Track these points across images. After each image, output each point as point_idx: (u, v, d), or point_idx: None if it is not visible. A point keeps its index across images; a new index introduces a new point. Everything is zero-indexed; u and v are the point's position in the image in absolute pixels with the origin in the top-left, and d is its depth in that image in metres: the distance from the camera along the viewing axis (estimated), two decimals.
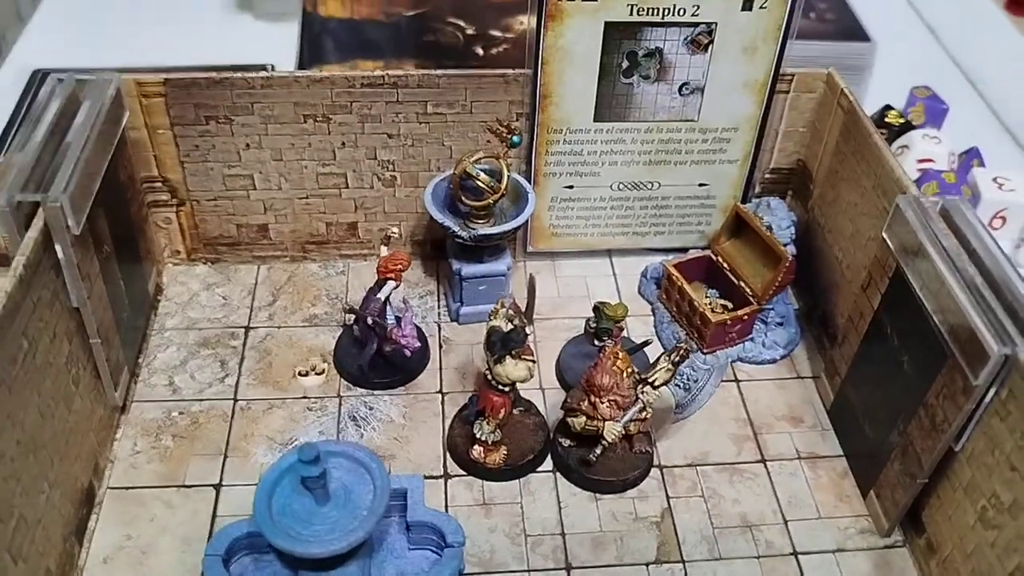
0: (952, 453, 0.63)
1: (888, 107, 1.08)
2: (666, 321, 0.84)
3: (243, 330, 0.82)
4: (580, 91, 0.79)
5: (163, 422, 0.75)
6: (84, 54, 1.12)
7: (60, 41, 1.19)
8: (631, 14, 0.75)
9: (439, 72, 0.79)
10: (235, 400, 0.77)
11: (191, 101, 0.78)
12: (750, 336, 0.82)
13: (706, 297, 0.84)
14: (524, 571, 0.66)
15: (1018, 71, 1.24)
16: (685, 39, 0.77)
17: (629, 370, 0.70)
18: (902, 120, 1.06)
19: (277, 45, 1.15)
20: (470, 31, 1.11)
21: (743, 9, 0.76)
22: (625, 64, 0.78)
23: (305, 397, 0.77)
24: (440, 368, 0.80)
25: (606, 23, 0.76)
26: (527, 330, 0.68)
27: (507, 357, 0.67)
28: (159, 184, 0.82)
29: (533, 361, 0.68)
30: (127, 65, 1.07)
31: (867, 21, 1.14)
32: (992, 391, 0.58)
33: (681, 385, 0.74)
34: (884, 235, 0.68)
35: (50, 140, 0.67)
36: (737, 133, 0.83)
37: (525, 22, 1.08)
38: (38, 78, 1.09)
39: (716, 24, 0.77)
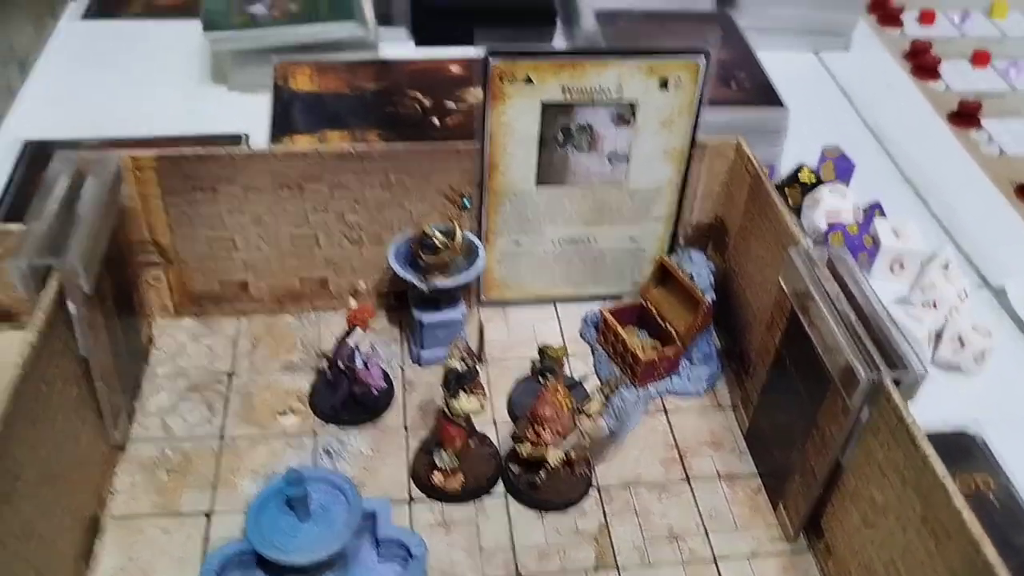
0: (839, 466, 0.74)
1: (801, 166, 1.21)
2: (604, 360, 0.95)
3: (227, 376, 0.92)
4: (523, 160, 0.91)
5: (158, 458, 0.84)
6: (71, 125, 1.22)
7: (48, 113, 1.28)
8: (564, 95, 0.87)
9: (400, 146, 0.90)
10: (221, 438, 0.86)
11: (180, 173, 0.88)
12: (677, 372, 0.93)
13: (637, 338, 0.96)
14: None
15: (918, 128, 1.38)
16: (611, 116, 0.90)
17: (568, 402, 0.80)
18: (813, 177, 1.20)
19: (250, 115, 1.26)
20: (427, 103, 1.23)
21: (660, 88, 0.89)
22: (561, 137, 0.90)
23: (284, 434, 0.87)
24: (404, 406, 0.90)
25: (543, 103, 0.88)
26: (479, 368, 0.79)
27: (461, 392, 0.77)
28: (150, 247, 0.92)
29: (484, 395, 0.79)
30: (113, 135, 1.18)
31: (783, 88, 1.28)
32: (865, 411, 0.70)
33: (613, 414, 0.85)
34: (780, 280, 0.80)
35: (60, 211, 0.76)
36: (661, 194, 0.95)
37: (475, 94, 1.20)
38: (28, 149, 1.19)
39: (637, 102, 0.89)
